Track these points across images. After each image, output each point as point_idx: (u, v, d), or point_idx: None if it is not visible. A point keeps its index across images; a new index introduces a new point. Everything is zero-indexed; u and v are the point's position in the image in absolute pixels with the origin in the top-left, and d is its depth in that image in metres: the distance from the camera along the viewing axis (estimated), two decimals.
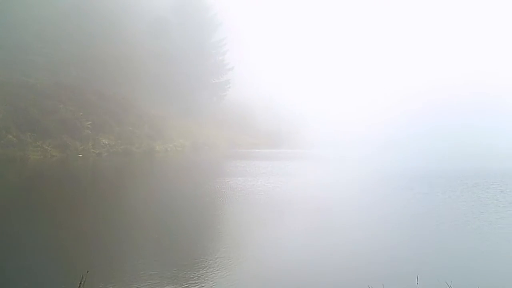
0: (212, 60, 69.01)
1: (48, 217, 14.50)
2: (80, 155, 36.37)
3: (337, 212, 16.05)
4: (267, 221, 14.23)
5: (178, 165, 37.37)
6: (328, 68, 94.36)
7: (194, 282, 8.55)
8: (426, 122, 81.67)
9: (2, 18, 42.86)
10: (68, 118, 39.22)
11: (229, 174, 28.41)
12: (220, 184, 22.71)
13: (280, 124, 74.56)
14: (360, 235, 12.59)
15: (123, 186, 22.92)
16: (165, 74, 59.99)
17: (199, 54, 65.75)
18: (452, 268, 9.61)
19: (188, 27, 64.08)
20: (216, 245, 11.59)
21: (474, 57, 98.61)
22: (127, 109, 47.93)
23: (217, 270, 9.19)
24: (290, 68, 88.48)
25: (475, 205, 17.06)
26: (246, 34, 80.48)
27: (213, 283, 8.50)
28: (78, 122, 39.75)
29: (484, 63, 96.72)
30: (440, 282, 7.81)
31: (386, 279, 8.45)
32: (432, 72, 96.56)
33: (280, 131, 73.30)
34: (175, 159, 41.61)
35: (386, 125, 79.27)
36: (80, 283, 4.99)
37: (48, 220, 14.06)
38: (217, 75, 69.36)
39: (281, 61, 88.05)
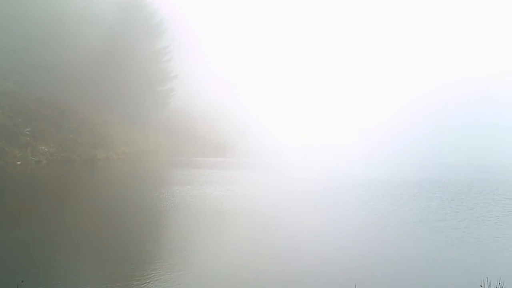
0: (156, 68, 68.97)
1: None
2: (19, 163, 35.75)
3: (279, 220, 16.84)
4: (209, 229, 15.00)
5: (120, 174, 37.39)
6: (271, 78, 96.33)
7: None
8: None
9: None
10: (6, 124, 38.45)
11: (174, 182, 29.00)
12: (164, 193, 23.13)
13: (225, 133, 75.42)
14: (296, 241, 13.45)
15: (61, 196, 22.92)
16: (108, 80, 59.55)
17: (143, 61, 65.60)
18: (389, 275, 10.36)
19: (132, 33, 63.89)
20: (157, 252, 12.10)
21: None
22: (68, 116, 47.35)
23: (159, 277, 9.79)
24: (235, 77, 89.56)
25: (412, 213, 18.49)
26: (192, 42, 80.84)
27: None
28: (17, 129, 39.02)
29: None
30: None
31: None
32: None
33: (224, 140, 74.14)
34: (117, 167, 41.54)
35: (334, 131, 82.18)
36: None
37: None
38: (161, 83, 69.39)
39: (227, 70, 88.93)
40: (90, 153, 44.85)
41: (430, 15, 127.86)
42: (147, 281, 9.41)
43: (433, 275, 10.27)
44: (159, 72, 70.43)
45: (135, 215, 17.56)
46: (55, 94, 48.49)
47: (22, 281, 6.15)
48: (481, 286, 7.95)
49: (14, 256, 11.09)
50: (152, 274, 9.81)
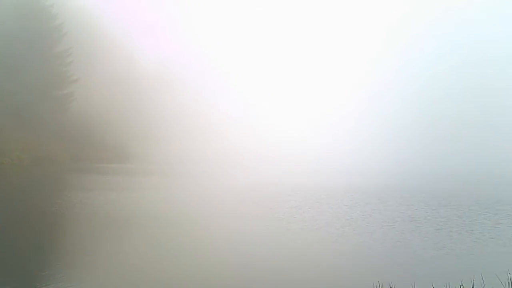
0: (55, 71, 66.88)
1: None
2: None
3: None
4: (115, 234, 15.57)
5: (15, 181, 36.31)
6: (179, 83, 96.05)
7: None
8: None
9: None
10: None
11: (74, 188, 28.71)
12: (65, 200, 23.06)
13: (127, 139, 74.46)
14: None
15: None
16: (2, 83, 57.01)
17: (41, 64, 63.43)
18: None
19: (29, 35, 61.51)
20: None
21: None
22: None
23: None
24: (139, 81, 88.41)
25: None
26: (95, 45, 78.88)
27: None
28: None
29: None
30: None
31: None
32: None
33: (126, 146, 73.32)
34: (11, 174, 40.25)
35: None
36: None
37: None
38: (59, 87, 67.40)
39: (132, 73, 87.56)
40: None
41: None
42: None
43: (328, 277, 11.02)
44: (57, 75, 68.38)
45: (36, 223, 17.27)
46: None
47: None
48: None
49: None
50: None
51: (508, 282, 9.07)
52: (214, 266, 11.93)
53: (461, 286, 8.77)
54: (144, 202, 23.90)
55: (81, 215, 19.21)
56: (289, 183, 38.62)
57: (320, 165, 66.93)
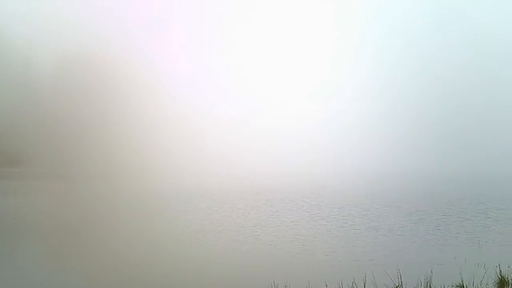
0: None
1: None
2: None
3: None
4: None
5: None
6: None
7: None
8: None
9: None
10: None
11: None
12: None
13: (21, 143, 69.62)
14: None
15: None
16: None
17: None
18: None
19: None
20: None
21: None
22: None
23: None
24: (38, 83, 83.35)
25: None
26: None
27: None
28: None
29: None
30: None
31: None
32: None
33: (20, 150, 68.49)
34: None
35: None
36: None
37: None
38: None
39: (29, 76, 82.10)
40: None
41: None
42: None
43: (228, 277, 10.94)
44: None
45: None
46: None
47: None
48: None
49: None
50: None
51: (398, 277, 9.46)
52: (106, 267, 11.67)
53: (354, 283, 8.90)
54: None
55: None
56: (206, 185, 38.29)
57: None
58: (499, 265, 9.95)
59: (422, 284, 9.40)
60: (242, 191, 34.58)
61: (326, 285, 8.88)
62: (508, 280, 9.64)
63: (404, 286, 9.34)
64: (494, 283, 9.60)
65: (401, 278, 9.41)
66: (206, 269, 12.03)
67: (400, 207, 25.73)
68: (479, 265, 11.16)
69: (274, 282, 8.83)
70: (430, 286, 9.33)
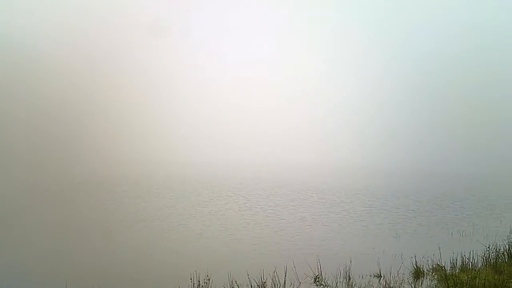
0: None
1: None
2: None
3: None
4: None
5: None
6: None
7: None
8: None
9: None
10: None
11: None
12: None
13: None
14: None
15: None
16: None
17: None
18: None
19: None
20: None
21: None
22: None
23: None
24: None
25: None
26: None
27: None
28: None
29: None
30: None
31: None
32: None
33: None
34: None
35: None
36: None
37: None
38: None
39: None
40: None
41: None
42: None
43: (147, 265, 10.84)
44: None
45: None
46: None
47: None
48: (190, 279, 8.16)
49: None
50: None
51: (319, 267, 9.56)
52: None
53: (275, 272, 8.92)
54: None
55: None
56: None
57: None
58: (415, 256, 10.29)
59: (342, 274, 9.55)
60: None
61: (248, 274, 8.75)
62: (423, 270, 9.99)
63: (323, 276, 9.45)
64: (410, 273, 9.90)
65: (321, 268, 9.51)
66: (131, 258, 11.84)
67: (328, 198, 26.31)
68: (397, 256, 11.51)
69: (196, 271, 8.52)
70: (349, 276, 9.48)
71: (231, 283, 8.55)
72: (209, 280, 8.32)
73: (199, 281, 8.25)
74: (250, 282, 8.60)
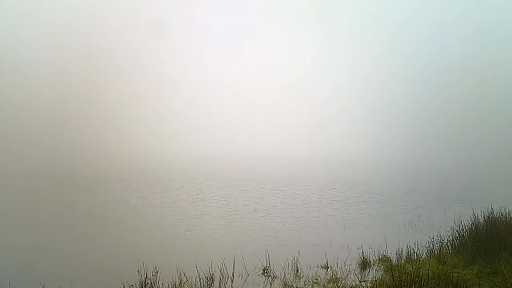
0: None
1: None
2: None
3: None
4: None
5: None
6: None
7: None
8: None
9: None
10: None
11: None
12: None
13: None
14: None
15: None
16: None
17: None
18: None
19: None
20: None
21: None
22: None
23: None
24: None
25: None
26: None
27: None
28: None
29: None
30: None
31: None
32: None
33: None
34: None
35: None
36: None
37: None
38: None
39: None
40: None
41: None
42: None
43: (95, 259, 10.71)
44: None
45: None
46: None
47: None
48: (138, 271, 8.02)
49: None
50: None
51: (267, 258, 9.60)
52: None
53: (223, 264, 8.92)
54: None
55: None
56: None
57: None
58: (361, 247, 10.50)
59: (290, 265, 9.63)
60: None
61: (196, 266, 8.69)
62: (370, 261, 10.20)
63: (272, 267, 9.50)
64: (357, 264, 10.09)
65: (269, 259, 9.56)
66: (76, 251, 11.61)
67: (282, 190, 26.53)
68: (344, 247, 11.72)
69: (143, 263, 8.34)
70: (297, 267, 9.57)
71: (179, 275, 8.44)
72: (157, 272, 8.13)
73: (146, 274, 8.06)
74: (198, 274, 8.52)
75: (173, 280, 8.40)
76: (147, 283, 8.01)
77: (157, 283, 8.05)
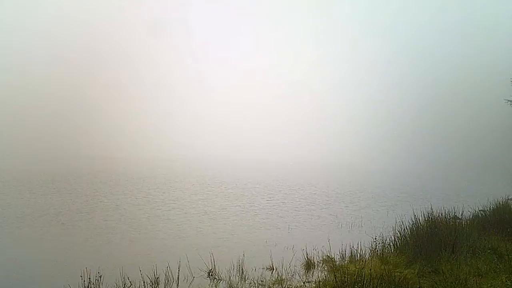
0: None
1: None
2: None
3: None
4: None
5: None
6: None
7: None
8: None
9: None
10: None
11: None
12: None
13: None
14: None
15: None
16: None
17: None
18: None
19: None
20: None
21: None
22: None
23: None
24: None
25: None
26: None
27: None
28: None
29: None
30: None
31: None
32: None
33: None
34: None
35: None
36: None
37: None
38: None
39: None
40: None
41: None
42: None
43: (31, 267, 10.33)
44: None
45: None
46: None
47: None
48: (81, 276, 7.93)
49: None
50: None
51: (212, 261, 9.61)
52: None
53: (168, 267, 8.91)
54: None
55: None
56: None
57: None
58: (306, 248, 10.68)
59: (235, 267, 9.67)
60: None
61: (140, 270, 8.60)
62: (314, 262, 10.39)
63: (217, 269, 9.52)
64: (302, 265, 10.25)
65: (214, 261, 9.57)
66: (18, 255, 11.31)
67: (232, 192, 26.58)
68: (289, 248, 11.88)
69: (86, 268, 8.29)
70: (242, 269, 9.62)
71: (123, 279, 8.33)
72: (100, 277, 8.03)
73: (89, 279, 7.94)
74: (142, 278, 8.45)
75: (116, 285, 8.31)
76: (90, 287, 7.88)
77: (100, 287, 7.93)
